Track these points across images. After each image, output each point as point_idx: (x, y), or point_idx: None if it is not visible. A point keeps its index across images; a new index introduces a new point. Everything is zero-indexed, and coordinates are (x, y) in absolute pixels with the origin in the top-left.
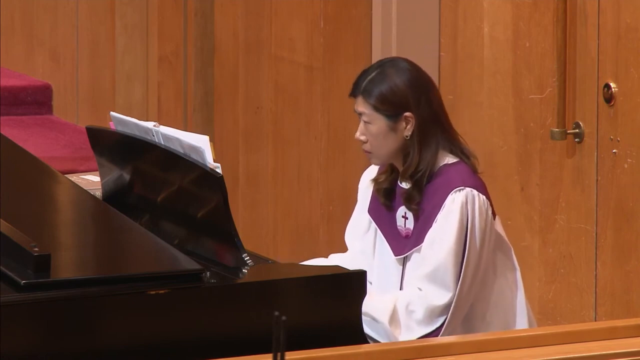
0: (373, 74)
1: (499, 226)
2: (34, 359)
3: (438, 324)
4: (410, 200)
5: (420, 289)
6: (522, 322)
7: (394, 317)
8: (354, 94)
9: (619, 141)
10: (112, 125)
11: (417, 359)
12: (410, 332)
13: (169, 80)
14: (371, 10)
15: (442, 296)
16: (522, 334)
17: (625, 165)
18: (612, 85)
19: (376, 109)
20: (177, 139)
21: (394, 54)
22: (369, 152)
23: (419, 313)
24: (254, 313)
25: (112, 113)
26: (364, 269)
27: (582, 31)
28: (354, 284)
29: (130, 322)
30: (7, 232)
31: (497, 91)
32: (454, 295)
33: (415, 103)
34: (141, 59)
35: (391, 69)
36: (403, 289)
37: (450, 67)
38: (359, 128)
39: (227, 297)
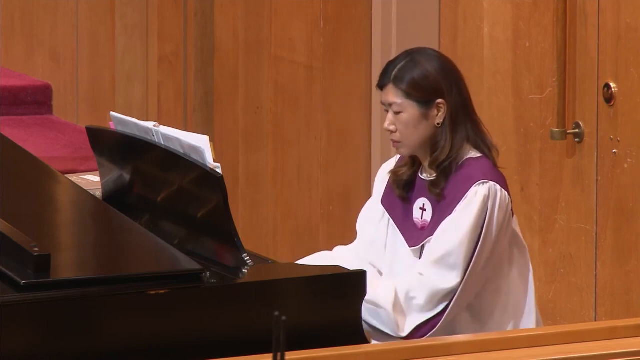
0: (402, 62)
1: (516, 225)
2: (34, 359)
3: (440, 309)
4: (435, 185)
5: (421, 274)
6: (529, 322)
7: (396, 304)
8: (382, 83)
9: (619, 141)
10: (112, 125)
11: (417, 359)
12: (411, 318)
13: (169, 80)
14: (371, 10)
15: (448, 281)
16: (522, 334)
17: (625, 165)
18: (612, 85)
19: (408, 95)
20: (177, 139)
21: (393, 54)
22: (398, 142)
23: (420, 298)
24: (254, 313)
25: (112, 113)
26: (371, 258)
27: (582, 31)
28: (354, 284)
29: (130, 322)
30: (7, 232)
31: (497, 91)
32: (460, 282)
33: (447, 90)
34: (141, 59)
35: (420, 56)
36: (403, 276)
37: None
38: (388, 118)
39: (227, 297)
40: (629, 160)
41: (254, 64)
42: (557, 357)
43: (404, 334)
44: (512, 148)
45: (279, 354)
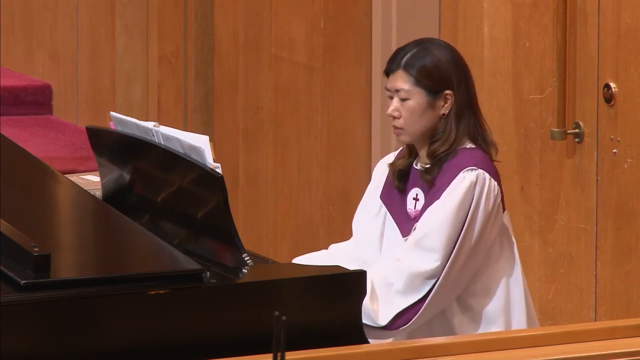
0: (414, 50)
1: (507, 220)
2: (34, 359)
3: (422, 293)
4: (428, 172)
5: (399, 260)
6: (521, 316)
7: (372, 294)
8: (390, 69)
9: (619, 141)
10: (112, 125)
11: (417, 359)
12: (390, 304)
13: (169, 80)
14: (371, 10)
15: (426, 263)
16: (522, 334)
17: (625, 165)
18: (612, 85)
19: (417, 82)
20: (177, 139)
21: None
22: (401, 129)
23: (399, 283)
24: (254, 313)
25: (112, 113)
26: (365, 256)
27: (582, 31)
28: (354, 284)
29: (130, 322)
30: (7, 232)
31: (497, 91)
32: (442, 264)
33: (457, 82)
34: (141, 59)
35: (432, 45)
36: (377, 266)
37: None
38: (392, 104)
39: (227, 297)
40: (629, 160)
41: (254, 64)
42: (557, 357)
43: (383, 322)
44: (512, 148)
45: (279, 354)
